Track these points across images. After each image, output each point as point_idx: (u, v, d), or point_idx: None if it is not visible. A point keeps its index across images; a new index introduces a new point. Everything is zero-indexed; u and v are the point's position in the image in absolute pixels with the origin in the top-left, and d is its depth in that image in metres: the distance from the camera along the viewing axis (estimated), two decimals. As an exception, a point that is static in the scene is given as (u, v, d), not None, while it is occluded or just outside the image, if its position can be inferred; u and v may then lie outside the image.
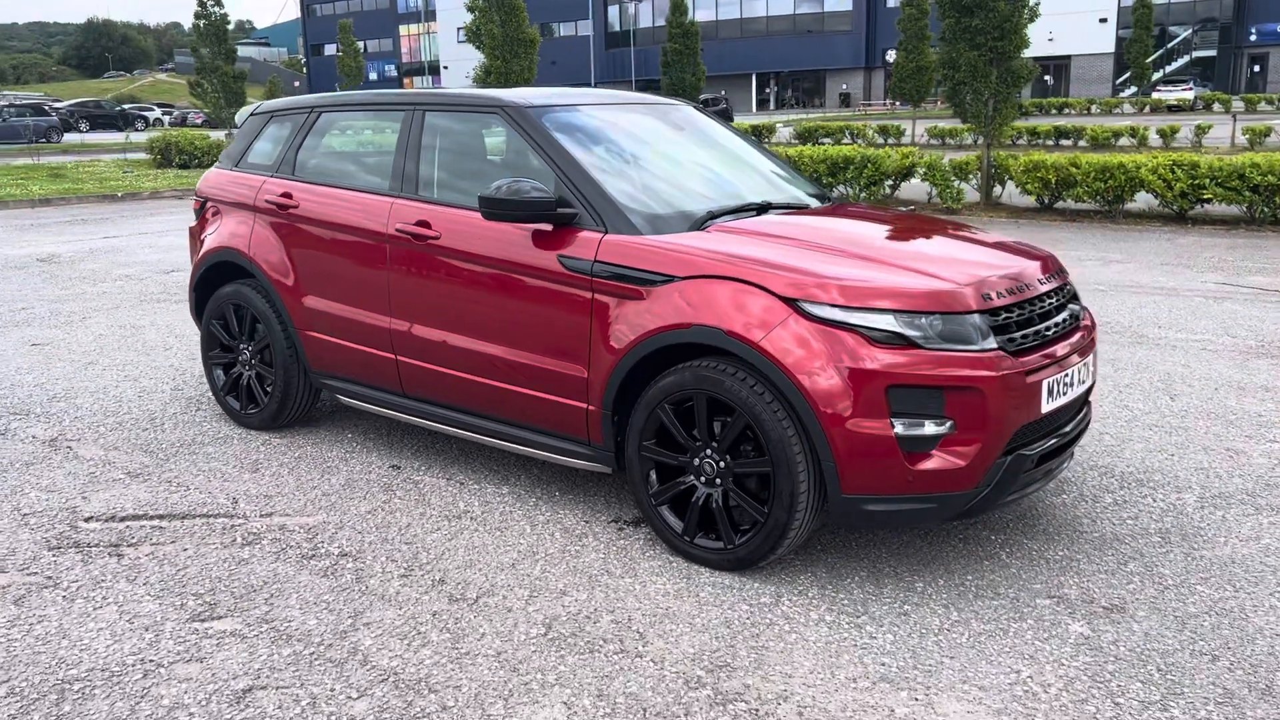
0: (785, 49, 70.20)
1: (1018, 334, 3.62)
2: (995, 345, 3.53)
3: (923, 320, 3.48)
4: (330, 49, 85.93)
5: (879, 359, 3.42)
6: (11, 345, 7.33)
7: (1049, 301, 3.86)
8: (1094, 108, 48.65)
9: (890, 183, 15.80)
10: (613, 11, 76.27)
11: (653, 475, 3.90)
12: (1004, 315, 3.61)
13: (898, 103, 37.27)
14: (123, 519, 4.22)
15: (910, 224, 4.57)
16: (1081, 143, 29.81)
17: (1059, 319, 3.87)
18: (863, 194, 15.55)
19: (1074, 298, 4.13)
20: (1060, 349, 3.78)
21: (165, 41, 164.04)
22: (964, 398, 3.46)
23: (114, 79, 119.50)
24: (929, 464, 3.48)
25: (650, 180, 4.33)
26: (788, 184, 4.87)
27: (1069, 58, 60.53)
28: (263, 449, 5.08)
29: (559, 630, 3.35)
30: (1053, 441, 3.78)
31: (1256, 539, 4.05)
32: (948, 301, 3.51)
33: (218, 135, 27.34)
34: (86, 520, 4.21)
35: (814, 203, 4.73)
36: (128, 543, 3.99)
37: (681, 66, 36.57)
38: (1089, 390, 4.09)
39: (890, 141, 33.70)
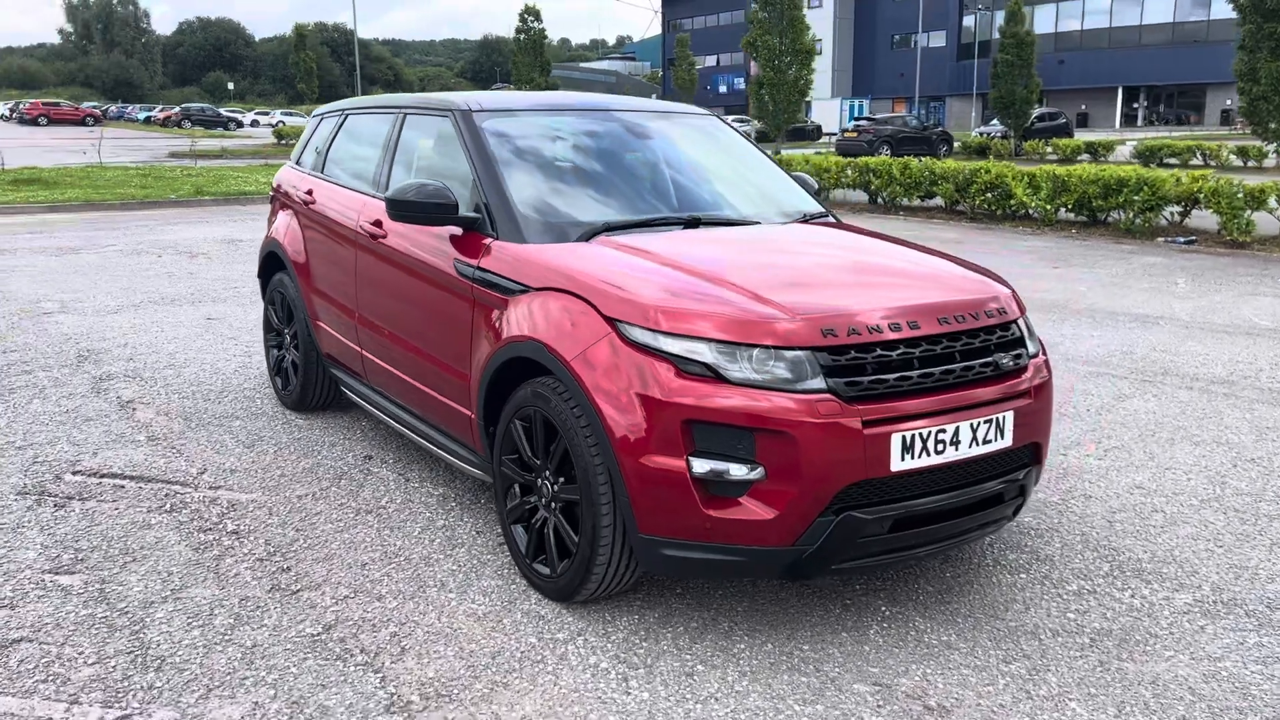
0: (1160, 61, 64.02)
1: (867, 378, 3.15)
2: (824, 387, 3.09)
3: (740, 352, 3.12)
4: (707, 61, 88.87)
5: (679, 390, 3.11)
6: (192, 317, 8.30)
7: (949, 344, 3.31)
8: None
9: (1176, 209, 14.05)
10: (968, 21, 73.20)
11: (516, 489, 3.77)
12: (853, 354, 3.15)
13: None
14: (102, 475, 4.69)
15: (849, 246, 4.10)
16: None
17: (956, 366, 3.31)
18: (1137, 220, 13.94)
19: (1010, 344, 3.51)
20: (943, 400, 3.24)
21: (550, 56, 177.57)
22: (776, 443, 3.07)
23: (499, 89, 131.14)
24: (732, 512, 3.11)
25: (567, 190, 4.18)
26: (758, 200, 4.53)
27: None
28: (278, 428, 5.44)
29: (332, 634, 3.33)
30: (929, 503, 3.24)
31: (1216, 660, 3.25)
32: (770, 333, 3.12)
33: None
34: (74, 473, 4.72)
35: (777, 219, 4.36)
36: (80, 497, 4.43)
37: (1012, 79, 34.39)
38: (1016, 452, 3.46)
39: (1250, 164, 29.91)
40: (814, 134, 52.51)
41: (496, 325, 3.72)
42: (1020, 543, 4.13)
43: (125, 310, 8.57)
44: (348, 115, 5.43)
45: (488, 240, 3.90)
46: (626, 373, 3.19)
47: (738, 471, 3.09)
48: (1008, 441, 3.40)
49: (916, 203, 17.66)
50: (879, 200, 17.99)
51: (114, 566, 3.77)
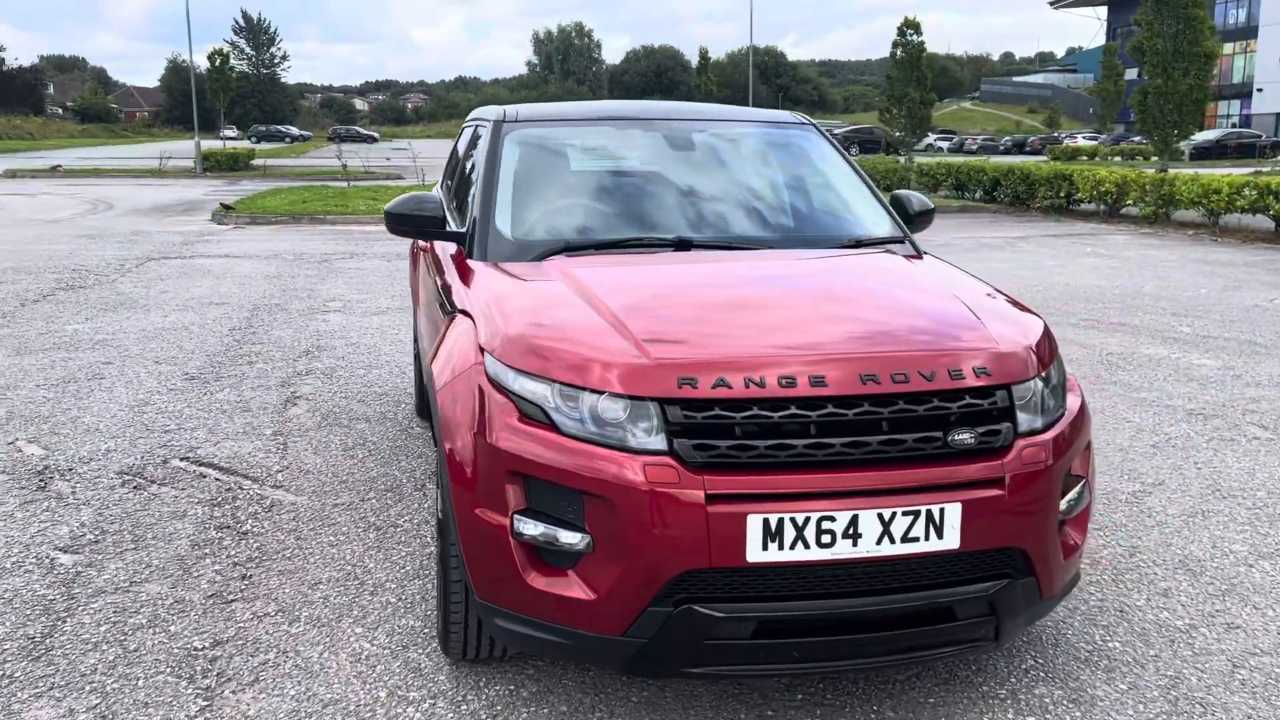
0: None
1: (726, 441, 2.53)
2: (663, 448, 2.53)
3: (582, 398, 2.64)
4: (1131, 73, 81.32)
5: (511, 436, 2.69)
6: (436, 322, 8.77)
7: (873, 410, 2.59)
8: None
9: None
10: None
11: (452, 528, 3.51)
12: (717, 412, 2.55)
13: None
14: (200, 464, 5.02)
15: (845, 279, 3.45)
16: None
17: (873, 438, 2.58)
18: None
19: (981, 417, 2.67)
20: (836, 480, 2.54)
21: (984, 71, 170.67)
22: (602, 510, 2.57)
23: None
24: (557, 586, 2.65)
25: (557, 206, 3.84)
26: (798, 222, 3.90)
27: None
28: (389, 434, 5.53)
29: (211, 652, 3.26)
30: (814, 609, 2.56)
31: None
32: (614, 379, 2.61)
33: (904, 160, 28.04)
34: (182, 459, 5.09)
35: (808, 244, 3.70)
36: (162, 482, 4.76)
37: None
38: (973, 558, 2.64)
39: None
40: (1265, 151, 45.65)
41: (436, 345, 3.48)
42: (1073, 673, 3.17)
43: (388, 313, 9.25)
44: (463, 129, 5.42)
45: (467, 257, 3.67)
46: (475, 410, 2.82)
47: (567, 539, 2.62)
48: (950, 543, 2.59)
49: (1331, 232, 14.71)
50: (1284, 228, 15.19)
51: (112, 552, 3.99)
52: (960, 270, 3.63)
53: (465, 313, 3.20)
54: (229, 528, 4.24)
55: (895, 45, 26.97)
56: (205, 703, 2.98)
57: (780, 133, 4.34)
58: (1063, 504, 2.85)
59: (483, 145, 4.19)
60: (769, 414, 2.56)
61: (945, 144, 73.05)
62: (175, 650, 3.27)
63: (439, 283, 3.73)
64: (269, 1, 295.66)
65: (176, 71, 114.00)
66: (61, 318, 8.79)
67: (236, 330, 8.36)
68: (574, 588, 2.62)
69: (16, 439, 5.37)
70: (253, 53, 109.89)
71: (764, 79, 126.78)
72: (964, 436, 2.63)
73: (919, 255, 3.79)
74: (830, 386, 2.59)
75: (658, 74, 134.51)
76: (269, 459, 5.11)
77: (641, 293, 3.11)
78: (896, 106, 26.53)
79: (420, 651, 3.27)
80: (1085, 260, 13.25)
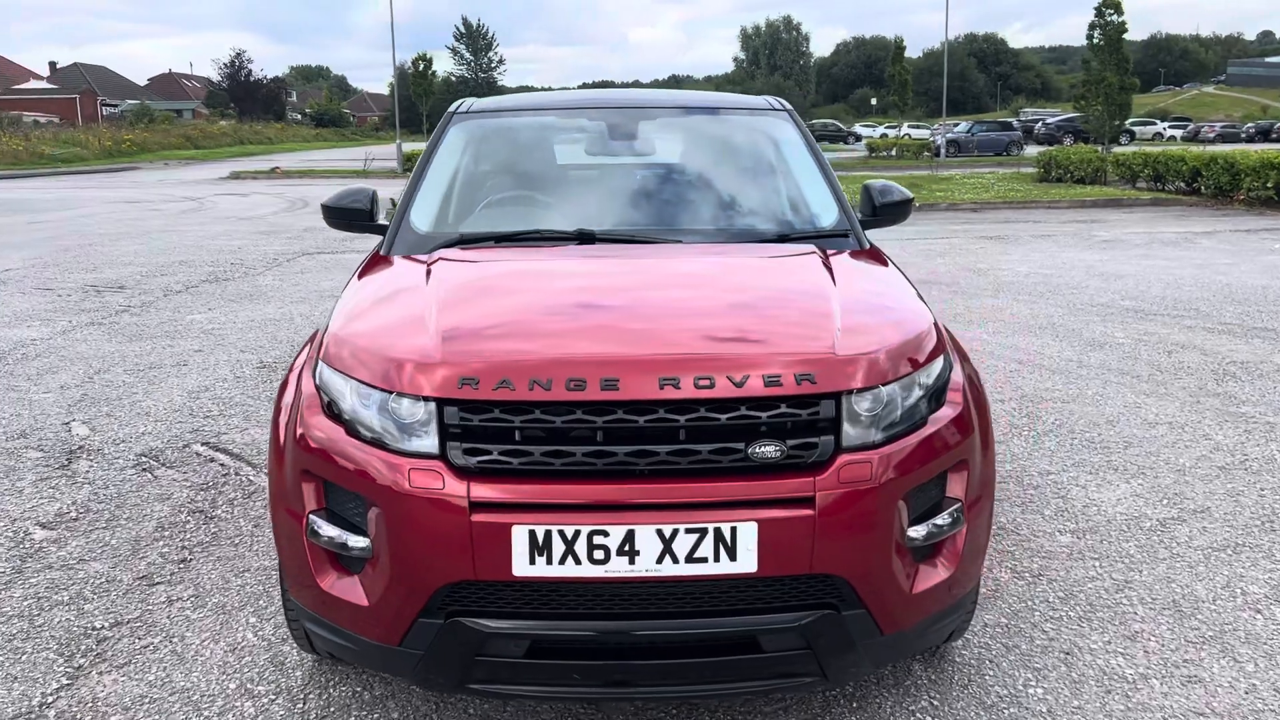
0: None
1: (499, 446, 2.37)
2: (433, 451, 2.41)
3: (373, 396, 2.55)
4: None
5: (309, 434, 2.64)
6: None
7: (669, 416, 2.37)
8: None
9: None
10: None
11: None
12: (498, 414, 2.40)
13: None
14: (216, 449, 5.21)
15: (710, 273, 3.16)
16: None
17: (662, 448, 2.35)
18: None
19: (797, 429, 2.39)
20: (614, 491, 2.34)
21: (1235, 52, 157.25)
22: (375, 513, 2.47)
23: (1161, 93, 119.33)
24: (343, 590, 2.57)
25: (472, 199, 3.73)
26: (726, 216, 3.63)
27: None
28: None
29: (106, 632, 3.36)
30: (590, 630, 2.38)
31: None
32: (397, 377, 2.50)
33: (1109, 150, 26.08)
34: (202, 444, 5.31)
35: (725, 238, 3.44)
36: (171, 465, 4.97)
37: None
38: (779, 583, 2.38)
39: None
40: None
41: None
42: (966, 722, 2.81)
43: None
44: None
45: (379, 251, 3.63)
46: (291, 405, 2.79)
47: (355, 543, 2.53)
48: (745, 566, 2.34)
49: None
50: None
51: (84, 529, 4.19)
52: (891, 269, 3.29)
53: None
54: (201, 512, 4.38)
55: (1092, 27, 24.99)
56: (68, 681, 3.06)
57: (742, 119, 4.08)
58: (921, 529, 2.53)
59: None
60: (551, 419, 2.37)
61: (1178, 132, 67.87)
62: (75, 629, 3.38)
63: (356, 276, 3.70)
64: (495, 8, 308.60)
65: (401, 78, 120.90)
66: (190, 307, 9.39)
67: (335, 322, 8.67)
68: (355, 593, 2.53)
69: (73, 419, 5.75)
70: (471, 58, 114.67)
71: (982, 67, 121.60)
72: (767, 449, 2.36)
73: (862, 248, 3.46)
74: (623, 391, 2.38)
75: (867, 65, 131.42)
76: (280, 447, 5.24)
77: (480, 289, 2.98)
78: (1093, 93, 24.54)
79: (294, 646, 3.26)
80: (1267, 259, 11.95)
